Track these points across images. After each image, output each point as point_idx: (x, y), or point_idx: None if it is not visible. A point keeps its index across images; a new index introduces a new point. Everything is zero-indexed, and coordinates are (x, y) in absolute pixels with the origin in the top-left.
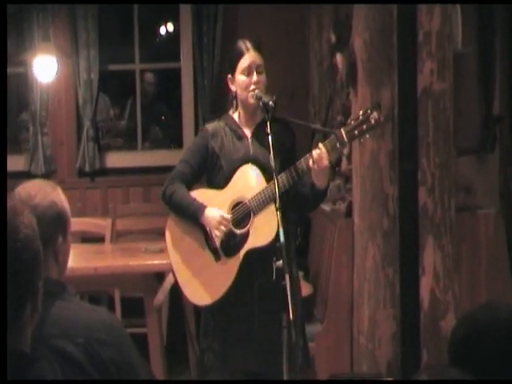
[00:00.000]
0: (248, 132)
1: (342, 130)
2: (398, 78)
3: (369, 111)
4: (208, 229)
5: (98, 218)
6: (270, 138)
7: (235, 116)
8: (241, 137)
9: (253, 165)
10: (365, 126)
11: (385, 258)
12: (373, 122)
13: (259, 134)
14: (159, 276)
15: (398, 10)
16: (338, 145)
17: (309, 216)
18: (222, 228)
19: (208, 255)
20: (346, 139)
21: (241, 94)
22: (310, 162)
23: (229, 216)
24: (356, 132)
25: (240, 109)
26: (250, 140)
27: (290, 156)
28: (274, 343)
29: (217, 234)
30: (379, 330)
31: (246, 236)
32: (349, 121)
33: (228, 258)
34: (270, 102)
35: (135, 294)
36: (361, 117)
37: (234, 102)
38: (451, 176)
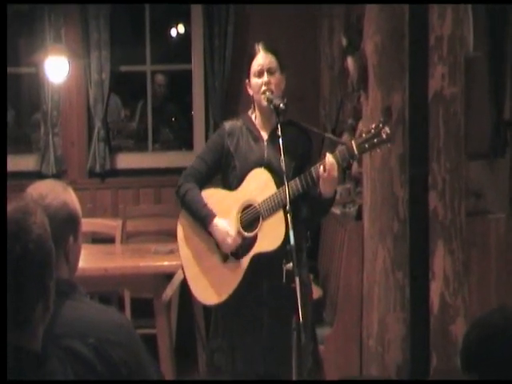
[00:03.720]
0: (265, 135)
1: (353, 142)
2: (409, 82)
3: (381, 125)
4: None
5: (109, 219)
6: (280, 140)
7: (253, 117)
8: (257, 138)
9: (266, 168)
10: (376, 140)
11: (395, 261)
12: (384, 136)
13: (275, 138)
14: (169, 277)
15: (410, 13)
16: (347, 156)
17: None
18: (228, 242)
19: (216, 255)
20: (356, 152)
21: (255, 96)
22: (321, 170)
23: (233, 235)
24: (366, 145)
25: (257, 111)
26: (265, 143)
27: (305, 162)
28: (283, 346)
29: (222, 246)
30: (389, 334)
31: (254, 239)
32: (359, 132)
33: (235, 260)
34: (281, 105)
35: (145, 295)
36: (372, 130)
37: (252, 104)
38: (462, 180)
